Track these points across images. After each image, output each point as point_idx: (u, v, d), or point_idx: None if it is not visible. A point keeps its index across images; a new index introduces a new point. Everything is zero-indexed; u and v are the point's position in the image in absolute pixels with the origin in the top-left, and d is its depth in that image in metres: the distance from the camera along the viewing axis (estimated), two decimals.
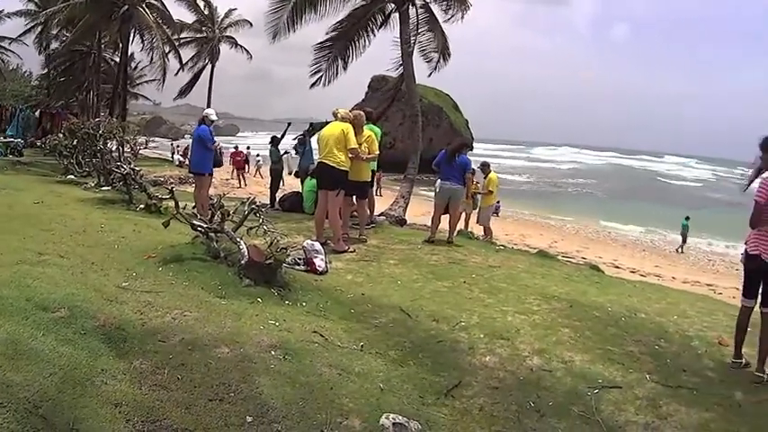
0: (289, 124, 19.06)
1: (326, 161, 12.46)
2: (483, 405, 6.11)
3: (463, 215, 18.86)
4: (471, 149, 15.83)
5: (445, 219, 15.06)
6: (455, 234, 15.32)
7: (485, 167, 22.28)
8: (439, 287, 10.10)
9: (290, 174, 24.38)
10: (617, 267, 25.78)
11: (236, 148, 55.23)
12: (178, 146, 64.12)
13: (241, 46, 68.35)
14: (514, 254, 15.11)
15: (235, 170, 47.40)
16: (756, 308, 7.56)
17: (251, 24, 67.59)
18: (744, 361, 7.66)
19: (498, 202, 40.34)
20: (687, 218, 38.50)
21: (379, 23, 26.88)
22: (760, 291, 7.52)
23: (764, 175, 7.22)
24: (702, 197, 77.20)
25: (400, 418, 5.16)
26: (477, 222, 22.21)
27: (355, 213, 14.38)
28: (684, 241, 37.48)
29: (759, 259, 7.38)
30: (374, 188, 16.15)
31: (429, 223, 15.24)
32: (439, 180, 14.95)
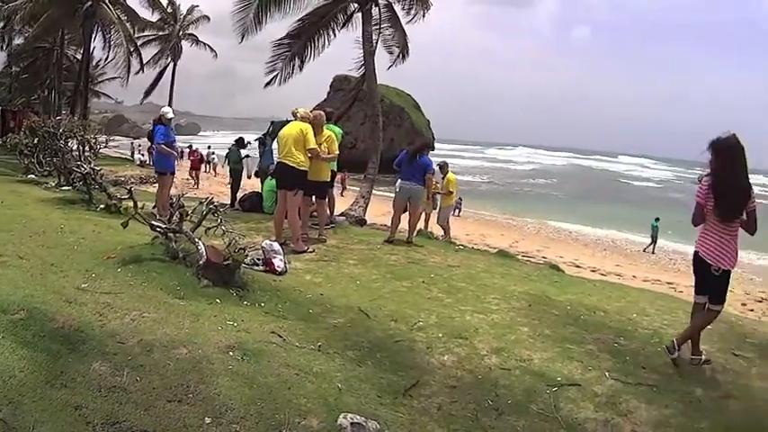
0: (272, 123, 18.95)
1: (285, 161, 12.45)
2: (441, 404, 6.13)
3: (423, 215, 18.84)
4: (432, 150, 15.92)
5: (405, 218, 15.14)
6: (414, 234, 15.41)
7: (443, 167, 22.29)
8: (398, 287, 10.16)
9: (248, 177, 24.32)
10: (578, 267, 26.01)
11: (189, 147, 55.01)
12: (140, 145, 63.68)
13: (203, 43, 68.02)
14: (474, 253, 15.23)
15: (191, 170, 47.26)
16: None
17: (208, 19, 67.40)
18: (703, 357, 7.76)
19: (460, 199, 40.47)
20: (657, 219, 38.90)
21: (341, 23, 26.80)
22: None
23: (705, 177, 7.44)
24: (663, 198, 77.94)
25: (358, 417, 5.17)
26: (437, 222, 22.25)
27: (315, 213, 14.36)
28: (654, 242, 37.83)
29: (697, 256, 7.66)
30: (340, 188, 16.29)
31: (389, 223, 15.27)
32: (399, 180, 15.02)
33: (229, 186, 24.86)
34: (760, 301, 25.09)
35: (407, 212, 15.31)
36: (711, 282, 7.68)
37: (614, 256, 33.20)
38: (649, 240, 37.96)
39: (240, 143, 24.37)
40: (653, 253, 37.18)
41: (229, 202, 21.46)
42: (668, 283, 25.23)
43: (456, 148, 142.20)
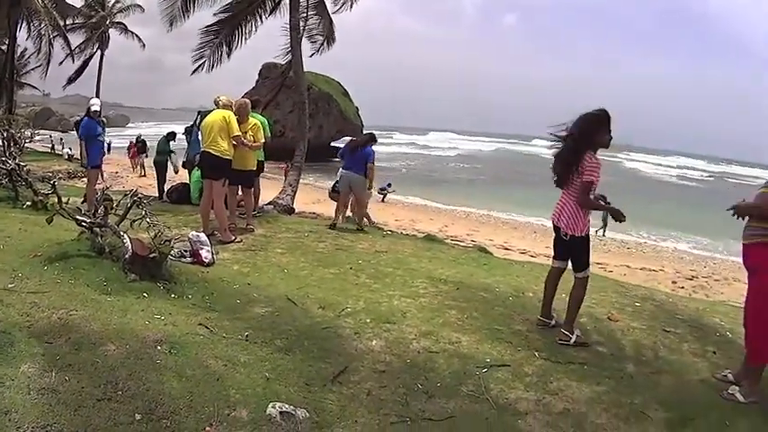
0: (199, 113, 18.69)
1: (210, 150, 12.31)
2: (370, 389, 6.13)
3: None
4: (376, 142, 16.11)
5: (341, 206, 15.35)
6: (358, 221, 16.00)
7: None
8: (325, 274, 10.20)
9: (176, 172, 24.07)
10: (507, 249, 26.25)
11: (137, 138, 54.17)
12: (61, 139, 62.52)
13: (132, 32, 66.46)
14: (401, 238, 15.35)
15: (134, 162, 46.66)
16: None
17: (143, 9, 65.95)
18: (552, 322, 8.22)
19: (389, 184, 40.43)
20: (608, 203, 39.06)
21: (268, 10, 26.58)
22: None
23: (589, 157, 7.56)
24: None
25: (287, 406, 5.19)
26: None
27: (242, 203, 14.27)
28: (605, 225, 38.27)
29: (555, 226, 8.03)
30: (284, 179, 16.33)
31: (318, 211, 15.41)
32: (341, 169, 15.30)
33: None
34: (690, 279, 25.62)
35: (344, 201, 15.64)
36: (566, 247, 8.02)
37: (545, 238, 33.51)
38: (601, 224, 38.57)
39: (171, 137, 24.13)
40: (603, 235, 37.69)
41: (157, 195, 21.24)
42: (597, 264, 25.52)
43: (385, 133, 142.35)
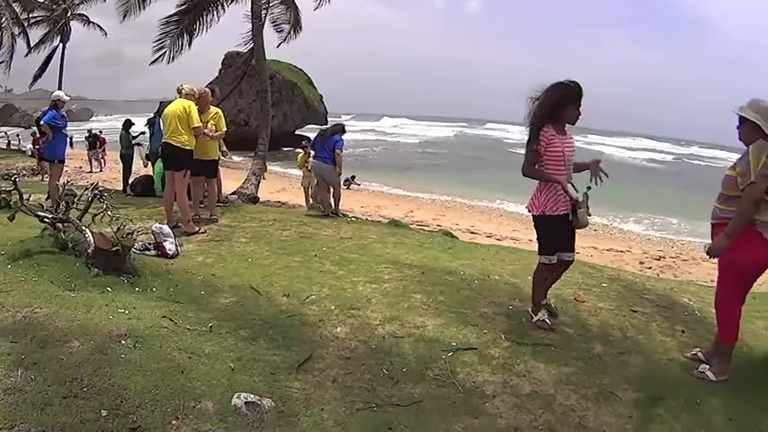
0: (161, 103, 18.46)
1: (170, 141, 12.21)
2: (336, 376, 6.13)
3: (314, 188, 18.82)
4: (345, 133, 16.37)
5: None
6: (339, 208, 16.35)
7: (304, 149, 21.92)
8: (290, 262, 10.18)
9: (144, 166, 23.92)
10: (473, 233, 26.22)
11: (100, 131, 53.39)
12: (18, 135, 61.84)
13: (94, 23, 65.51)
14: (366, 225, 15.33)
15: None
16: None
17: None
18: (538, 318, 7.88)
19: (353, 176, 40.43)
20: (589, 187, 39.63)
21: None
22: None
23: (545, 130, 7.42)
24: None
25: (252, 396, 5.20)
26: (311, 195, 21.84)
27: (206, 193, 14.18)
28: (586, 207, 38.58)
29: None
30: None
31: (282, 200, 15.45)
32: (311, 159, 15.73)
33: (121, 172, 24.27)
34: (658, 259, 25.72)
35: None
36: None
37: (510, 221, 33.54)
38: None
39: (127, 125, 23.97)
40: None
41: (122, 188, 21.13)
42: None
43: (351, 120, 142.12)
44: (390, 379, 6.20)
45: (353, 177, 41.90)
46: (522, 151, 7.62)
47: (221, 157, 14.56)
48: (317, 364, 6.36)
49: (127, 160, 23.09)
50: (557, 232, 7.55)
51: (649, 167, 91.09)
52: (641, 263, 24.38)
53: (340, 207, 16.76)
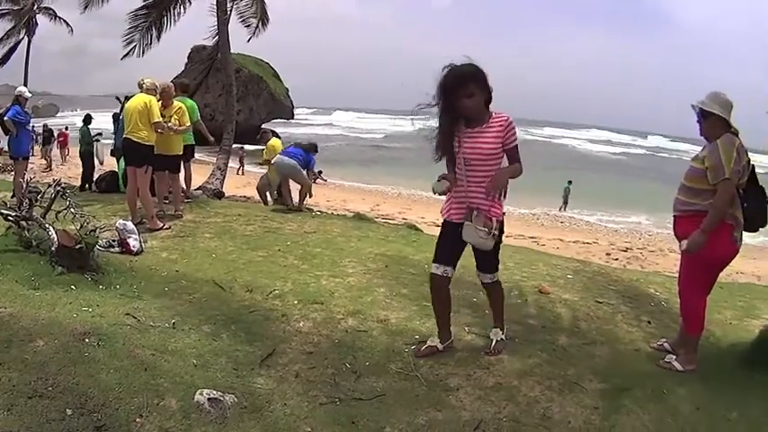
0: (126, 98, 18.13)
1: (131, 137, 12.11)
2: (299, 371, 6.15)
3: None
4: (317, 152, 16.91)
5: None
6: (304, 203, 16.64)
7: (266, 134, 21.58)
8: (254, 257, 10.20)
9: (101, 163, 23.68)
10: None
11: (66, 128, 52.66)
12: None
13: (61, 18, 64.58)
14: (331, 219, 15.38)
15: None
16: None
17: None
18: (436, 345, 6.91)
19: (320, 171, 40.42)
20: (570, 182, 40.57)
21: None
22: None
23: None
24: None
25: (215, 392, 5.19)
26: (257, 188, 21.15)
27: (171, 189, 14.10)
28: (566, 202, 39.26)
29: None
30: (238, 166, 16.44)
31: (247, 195, 15.47)
32: (278, 155, 15.81)
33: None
34: (624, 251, 26.07)
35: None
36: None
37: None
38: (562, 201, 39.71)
39: (87, 120, 23.76)
40: (564, 211, 39.83)
41: (79, 185, 20.84)
42: (531, 238, 25.84)
43: (314, 114, 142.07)
44: (353, 373, 6.23)
45: (320, 172, 41.91)
46: None
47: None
48: (279, 359, 6.36)
49: (87, 157, 22.78)
50: (439, 238, 6.92)
51: (614, 160, 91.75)
52: (608, 254, 24.66)
53: (305, 202, 16.78)
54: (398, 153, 77.19)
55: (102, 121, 25.62)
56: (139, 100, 12.15)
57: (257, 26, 28.23)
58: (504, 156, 6.47)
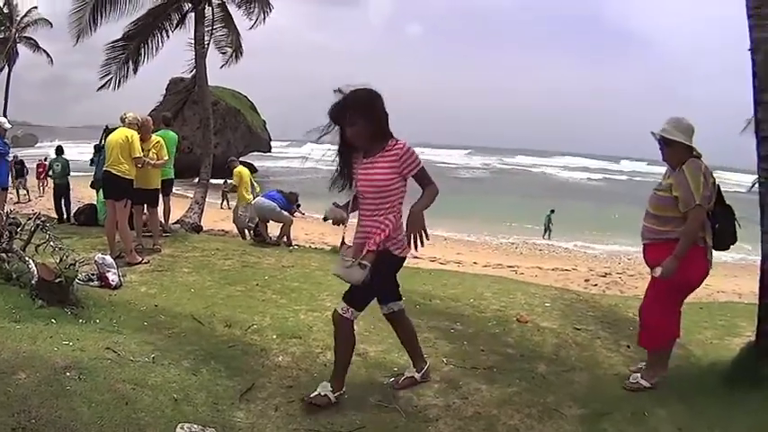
0: (106, 128, 17.93)
1: (111, 170, 12.12)
2: (278, 405, 6.14)
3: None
4: (296, 202, 18.52)
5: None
6: (283, 238, 17.05)
7: (232, 162, 21.74)
8: (232, 292, 10.21)
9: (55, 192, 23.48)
10: (416, 258, 26.22)
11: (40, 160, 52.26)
12: None
13: (41, 48, 64.37)
14: (309, 252, 15.48)
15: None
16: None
17: (51, 24, 63.66)
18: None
19: (299, 205, 40.28)
20: (552, 210, 41.16)
21: (174, 23, 26.12)
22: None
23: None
24: (484, 185, 79.79)
25: (196, 426, 5.22)
26: (233, 222, 20.94)
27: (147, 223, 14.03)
28: (547, 230, 39.77)
29: None
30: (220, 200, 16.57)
31: (226, 228, 15.55)
32: (259, 197, 16.24)
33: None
34: (603, 276, 26.08)
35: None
36: None
37: (456, 245, 33.75)
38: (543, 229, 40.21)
39: (60, 151, 23.63)
40: (549, 239, 40.46)
41: (57, 218, 20.67)
42: (509, 267, 25.87)
43: (289, 146, 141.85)
44: (333, 406, 6.14)
45: (298, 206, 41.89)
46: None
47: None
48: (259, 393, 6.34)
49: (61, 189, 22.56)
50: None
51: (592, 186, 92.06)
52: (587, 280, 24.69)
53: (288, 238, 17.02)
54: None
55: (78, 153, 25.48)
56: (121, 134, 12.21)
57: (231, 55, 28.32)
58: (405, 184, 6.10)
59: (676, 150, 6.68)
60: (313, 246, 21.55)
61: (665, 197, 6.69)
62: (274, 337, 7.98)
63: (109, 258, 10.26)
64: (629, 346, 8.11)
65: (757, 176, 7.10)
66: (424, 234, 5.88)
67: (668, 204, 6.63)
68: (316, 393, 6.15)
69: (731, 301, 15.78)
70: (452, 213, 43.08)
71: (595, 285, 23.32)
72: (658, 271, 6.54)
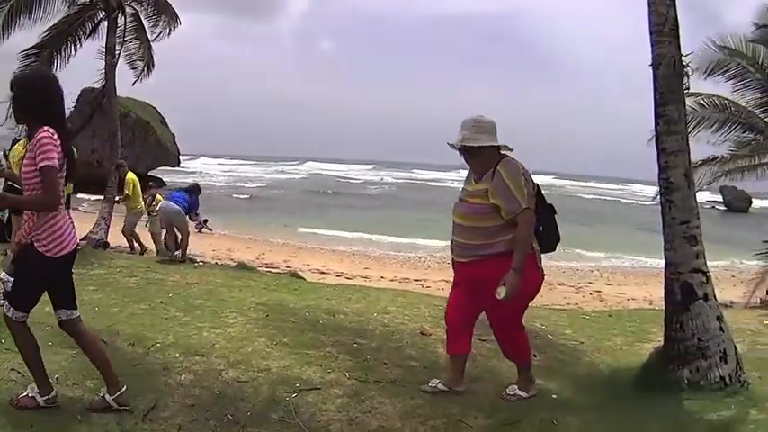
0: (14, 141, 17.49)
1: (14, 185, 11.57)
2: (181, 424, 6.13)
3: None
4: (200, 192, 17.16)
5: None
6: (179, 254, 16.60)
7: (121, 167, 21.57)
8: (136, 310, 10.17)
9: None
10: (323, 273, 26.31)
11: None
12: None
13: None
14: (214, 269, 15.46)
15: None
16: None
17: None
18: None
19: (206, 220, 39.95)
20: None
21: (88, 32, 25.77)
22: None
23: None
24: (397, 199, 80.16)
25: None
26: (122, 231, 21.36)
27: None
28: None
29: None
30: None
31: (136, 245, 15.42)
32: (163, 201, 15.82)
33: None
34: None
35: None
36: None
37: (362, 259, 33.75)
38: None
39: None
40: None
41: None
42: (416, 281, 25.97)
43: (202, 160, 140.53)
44: (236, 424, 6.19)
45: (206, 221, 41.49)
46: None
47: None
48: (162, 412, 6.22)
49: None
50: None
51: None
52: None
53: (188, 252, 16.82)
54: (285, 200, 76.87)
55: None
56: (21, 147, 11.90)
57: (143, 69, 27.95)
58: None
59: (485, 156, 6.30)
60: (219, 261, 21.37)
61: (480, 205, 6.31)
62: (177, 355, 7.96)
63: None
64: (535, 356, 8.13)
65: (658, 187, 7.32)
66: None
67: (487, 213, 6.26)
68: (24, 394, 5.88)
69: (641, 307, 16.23)
70: (359, 228, 43.31)
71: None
72: (503, 292, 6.13)
